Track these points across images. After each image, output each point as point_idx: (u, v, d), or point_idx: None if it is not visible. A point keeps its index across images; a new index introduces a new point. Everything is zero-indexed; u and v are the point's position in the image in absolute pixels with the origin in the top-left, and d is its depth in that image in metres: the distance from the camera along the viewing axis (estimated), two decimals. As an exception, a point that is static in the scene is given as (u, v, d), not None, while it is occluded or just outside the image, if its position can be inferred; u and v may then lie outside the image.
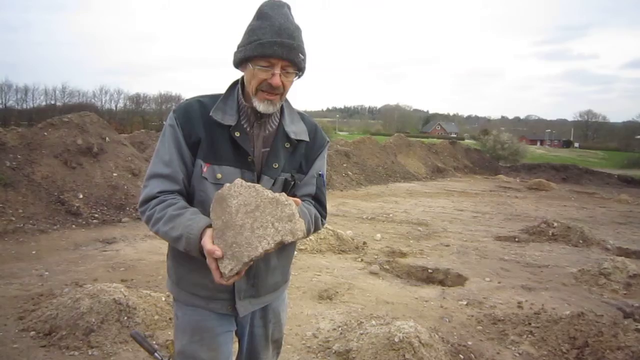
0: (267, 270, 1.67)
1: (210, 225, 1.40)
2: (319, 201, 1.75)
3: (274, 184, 1.61)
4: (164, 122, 1.63)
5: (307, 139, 1.69)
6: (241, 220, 1.32)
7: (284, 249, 1.70)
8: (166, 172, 1.54)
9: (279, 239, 1.30)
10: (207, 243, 1.34)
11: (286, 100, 1.70)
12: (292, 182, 1.64)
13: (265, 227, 1.31)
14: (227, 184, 1.39)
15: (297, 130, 1.67)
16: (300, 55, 1.52)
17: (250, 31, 1.52)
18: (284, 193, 1.39)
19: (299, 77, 1.61)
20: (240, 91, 1.62)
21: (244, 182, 1.38)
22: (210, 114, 1.56)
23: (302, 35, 1.55)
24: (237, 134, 1.57)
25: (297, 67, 1.54)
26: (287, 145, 1.64)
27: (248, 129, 1.61)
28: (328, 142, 1.81)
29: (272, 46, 1.46)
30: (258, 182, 1.58)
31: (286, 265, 1.79)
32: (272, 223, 1.31)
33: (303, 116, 1.76)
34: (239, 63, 1.57)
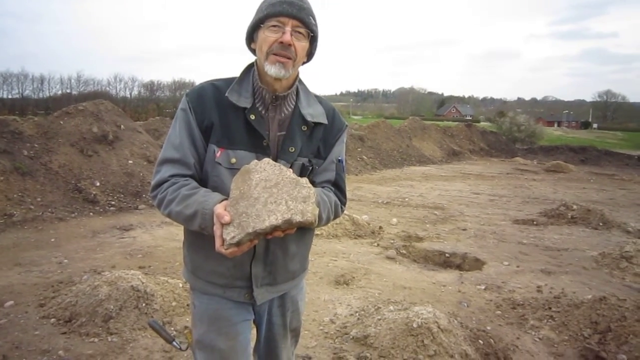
0: (285, 258, 1.64)
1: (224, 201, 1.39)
2: (338, 187, 1.71)
3: (290, 169, 1.56)
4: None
5: (324, 121, 1.65)
6: (257, 193, 1.33)
7: (303, 236, 1.67)
8: (177, 157, 1.52)
9: (288, 217, 1.28)
10: (218, 208, 1.34)
11: (302, 83, 1.66)
12: (310, 167, 1.60)
13: (278, 203, 1.30)
14: (255, 160, 1.39)
15: (314, 113, 1.63)
16: (311, 17, 1.52)
17: (260, 4, 1.55)
18: (306, 178, 1.37)
19: (313, 49, 1.59)
20: (256, 73, 1.58)
21: (271, 160, 1.39)
22: (226, 94, 1.53)
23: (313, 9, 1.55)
24: (252, 117, 1.53)
25: (308, 28, 1.51)
26: (304, 128, 1.60)
27: (263, 112, 1.57)
28: (347, 126, 1.76)
29: (282, 4, 1.48)
30: None
31: (305, 253, 1.75)
32: (285, 201, 1.31)
33: (320, 99, 1.71)
34: (251, 33, 1.56)
